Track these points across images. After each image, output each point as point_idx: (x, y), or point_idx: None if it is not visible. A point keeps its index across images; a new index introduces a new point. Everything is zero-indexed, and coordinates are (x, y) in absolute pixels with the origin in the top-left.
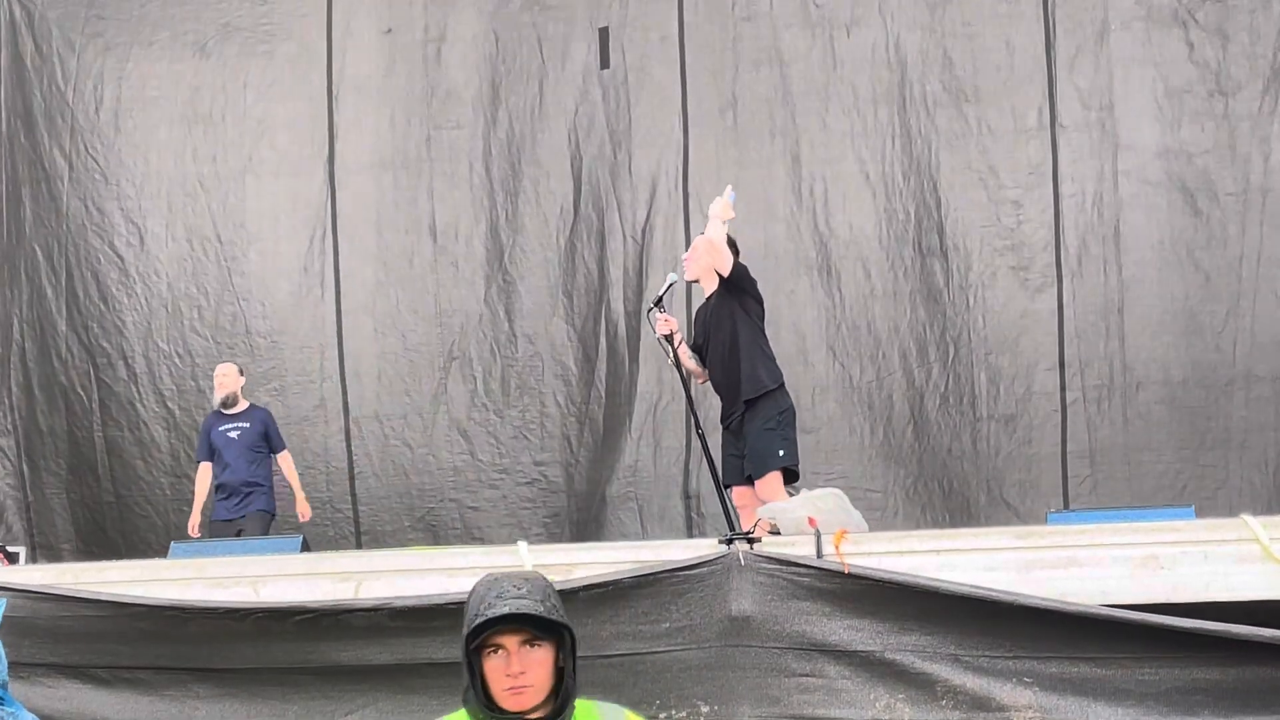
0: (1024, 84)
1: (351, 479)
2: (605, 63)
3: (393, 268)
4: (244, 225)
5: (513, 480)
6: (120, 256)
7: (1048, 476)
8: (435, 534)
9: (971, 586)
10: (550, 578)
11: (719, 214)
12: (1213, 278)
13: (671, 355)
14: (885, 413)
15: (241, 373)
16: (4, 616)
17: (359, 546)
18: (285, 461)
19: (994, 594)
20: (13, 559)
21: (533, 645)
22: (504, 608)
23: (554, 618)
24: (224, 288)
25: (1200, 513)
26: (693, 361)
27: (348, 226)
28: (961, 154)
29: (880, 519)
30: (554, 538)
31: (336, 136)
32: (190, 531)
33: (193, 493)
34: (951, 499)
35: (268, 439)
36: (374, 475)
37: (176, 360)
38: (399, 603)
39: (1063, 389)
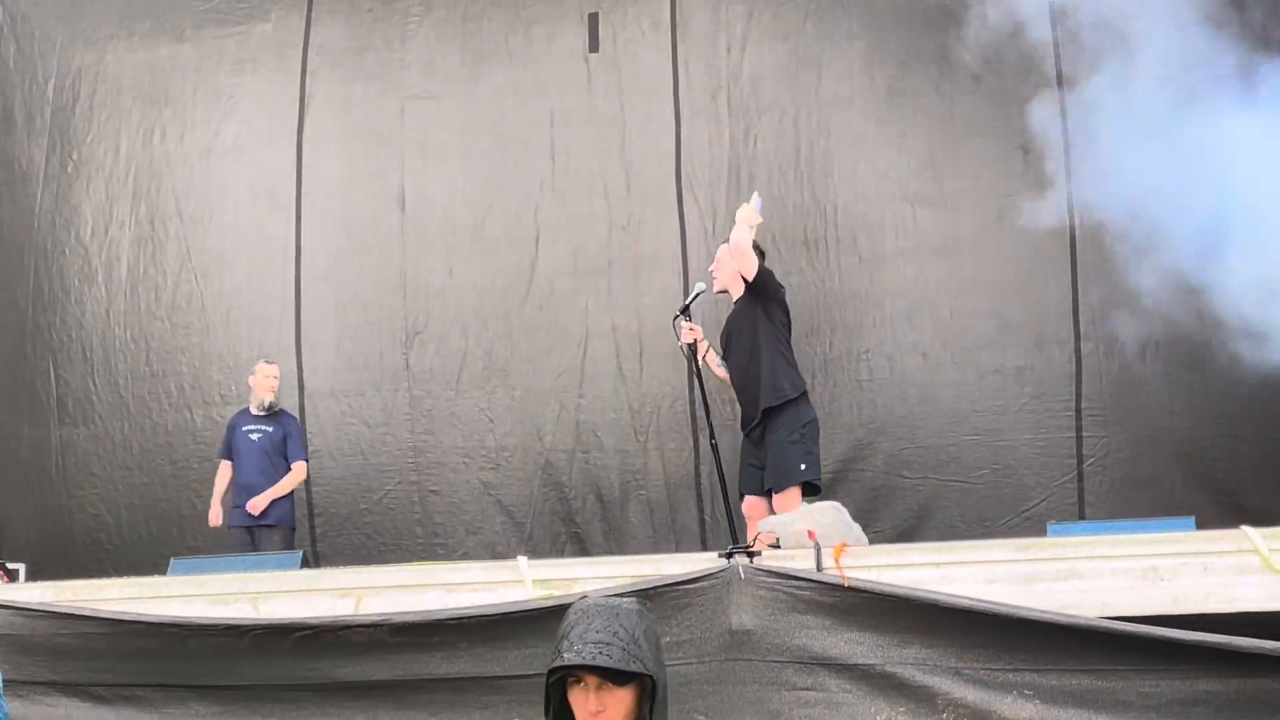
0: (1029, 30)
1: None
2: (594, 46)
3: (357, 237)
4: (206, 200)
5: (476, 464)
6: (85, 247)
7: (1059, 438)
8: (393, 517)
9: (972, 599)
10: (549, 593)
11: (746, 219)
12: None
13: (695, 364)
14: (890, 375)
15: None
16: (3, 635)
17: (311, 528)
18: (296, 470)
19: (994, 607)
20: (12, 576)
21: (613, 686)
22: (581, 654)
23: (632, 669)
24: (183, 266)
25: (1221, 477)
26: (722, 370)
27: (313, 197)
28: (963, 106)
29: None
30: (519, 527)
31: (307, 108)
32: (211, 521)
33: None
34: (946, 471)
35: (285, 449)
36: (329, 454)
37: (132, 345)
38: (399, 618)
39: (1077, 339)
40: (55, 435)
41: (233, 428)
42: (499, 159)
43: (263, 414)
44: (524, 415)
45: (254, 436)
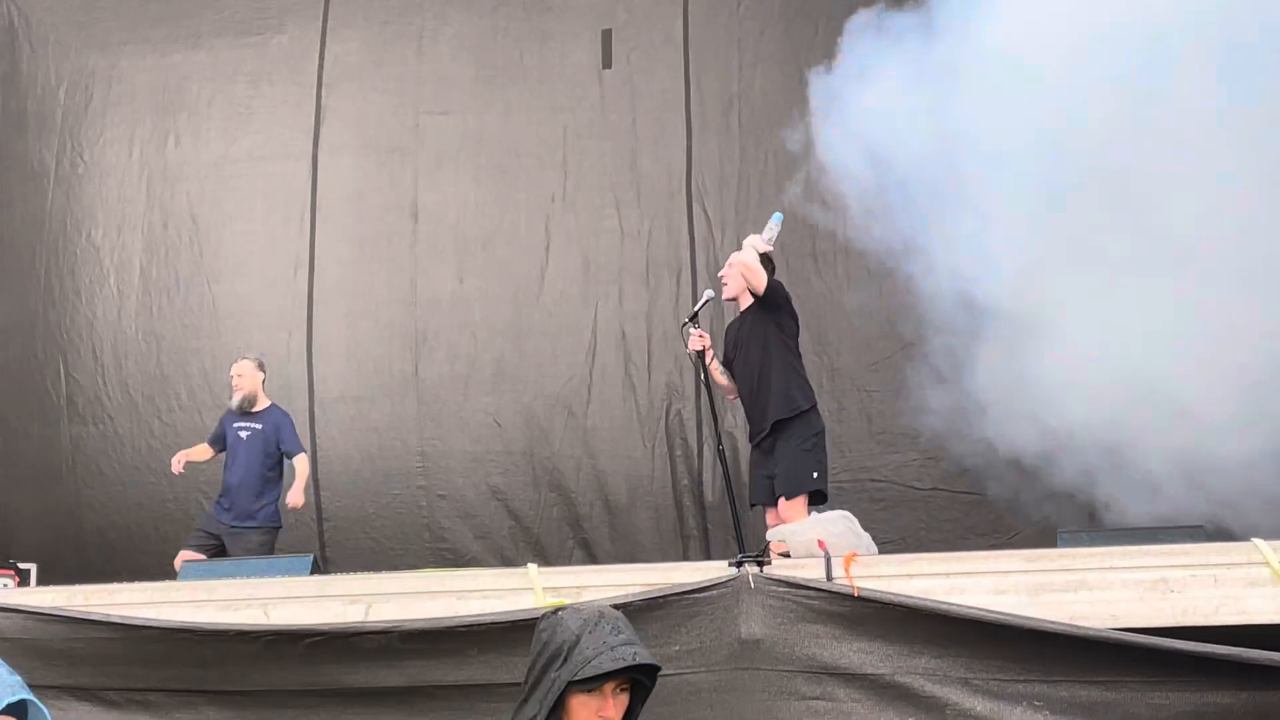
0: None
1: (315, 462)
2: (607, 63)
3: (369, 247)
4: (220, 207)
5: (484, 470)
6: (96, 248)
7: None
8: (401, 521)
9: (981, 610)
10: (559, 600)
11: (754, 245)
12: None
13: (703, 371)
14: (891, 392)
15: (261, 367)
16: (14, 639)
17: (320, 532)
18: (300, 463)
19: (1004, 617)
20: (24, 576)
21: (624, 691)
22: (624, 657)
23: (654, 662)
24: (195, 270)
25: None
26: (724, 378)
27: (326, 206)
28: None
29: (883, 509)
30: (526, 532)
31: (323, 120)
32: (174, 468)
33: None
34: (957, 483)
35: (280, 444)
36: (338, 458)
37: (143, 346)
38: (409, 625)
39: None
40: (65, 434)
41: (225, 425)
42: (511, 172)
43: (250, 411)
44: (532, 421)
45: (244, 434)
